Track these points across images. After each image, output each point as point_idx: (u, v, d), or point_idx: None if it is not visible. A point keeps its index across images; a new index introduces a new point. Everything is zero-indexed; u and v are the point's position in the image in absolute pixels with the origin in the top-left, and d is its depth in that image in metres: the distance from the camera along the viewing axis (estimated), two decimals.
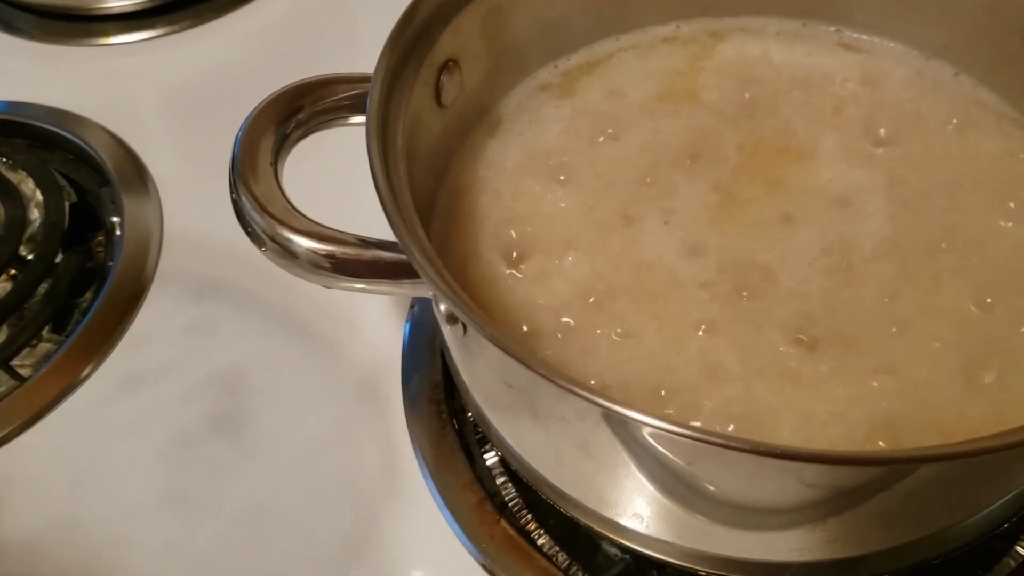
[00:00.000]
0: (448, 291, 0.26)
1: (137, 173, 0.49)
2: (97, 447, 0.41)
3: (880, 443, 0.31)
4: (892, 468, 0.24)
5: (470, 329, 0.28)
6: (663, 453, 0.27)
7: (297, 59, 0.54)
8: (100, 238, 0.48)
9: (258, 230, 0.31)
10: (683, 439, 0.24)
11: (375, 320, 0.42)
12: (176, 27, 0.56)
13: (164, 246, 0.46)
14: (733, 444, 0.22)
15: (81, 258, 0.47)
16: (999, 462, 0.26)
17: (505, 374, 0.29)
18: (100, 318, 0.43)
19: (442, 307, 0.29)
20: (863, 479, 0.25)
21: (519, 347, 0.26)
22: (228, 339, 0.43)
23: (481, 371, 0.31)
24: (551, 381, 0.24)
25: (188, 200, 0.48)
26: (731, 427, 0.31)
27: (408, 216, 0.29)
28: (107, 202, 0.48)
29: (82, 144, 0.49)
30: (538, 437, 0.31)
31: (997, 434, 0.24)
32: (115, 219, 0.47)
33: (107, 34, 0.56)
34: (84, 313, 0.45)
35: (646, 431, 0.25)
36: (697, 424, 0.31)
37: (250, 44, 0.56)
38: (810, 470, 0.25)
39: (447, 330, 0.32)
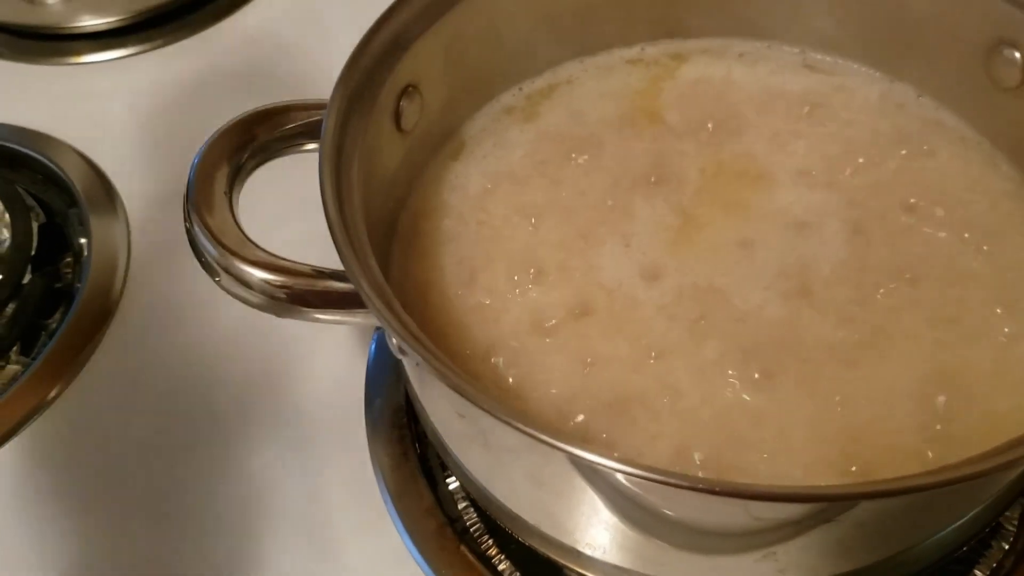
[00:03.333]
0: (395, 323, 0.27)
1: (106, 194, 0.48)
2: (63, 469, 0.41)
3: (853, 468, 0.31)
4: (832, 504, 0.24)
5: (421, 365, 0.28)
6: (611, 484, 0.27)
7: (270, 78, 0.54)
8: (68, 259, 0.48)
9: (211, 260, 0.31)
10: (625, 475, 0.24)
11: (339, 344, 0.42)
12: (148, 46, 0.56)
13: (132, 268, 0.46)
14: (671, 481, 0.23)
15: (49, 279, 0.47)
16: (942, 494, 0.27)
17: (456, 405, 0.29)
18: (67, 340, 0.43)
19: (393, 340, 0.29)
20: (806, 513, 0.25)
21: (465, 380, 0.26)
22: (192, 362, 0.43)
23: (435, 400, 0.31)
24: (494, 416, 0.25)
25: (157, 221, 0.48)
26: (694, 455, 0.31)
27: (359, 246, 0.29)
28: (76, 223, 0.48)
29: (51, 165, 0.49)
30: (492, 466, 0.31)
31: (935, 470, 0.24)
32: (83, 240, 0.47)
33: (78, 53, 0.56)
34: (52, 335, 0.45)
35: (588, 466, 0.25)
36: (657, 455, 0.31)
37: (223, 63, 0.55)
38: (754, 505, 0.25)
39: (404, 360, 0.32)
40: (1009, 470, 0.27)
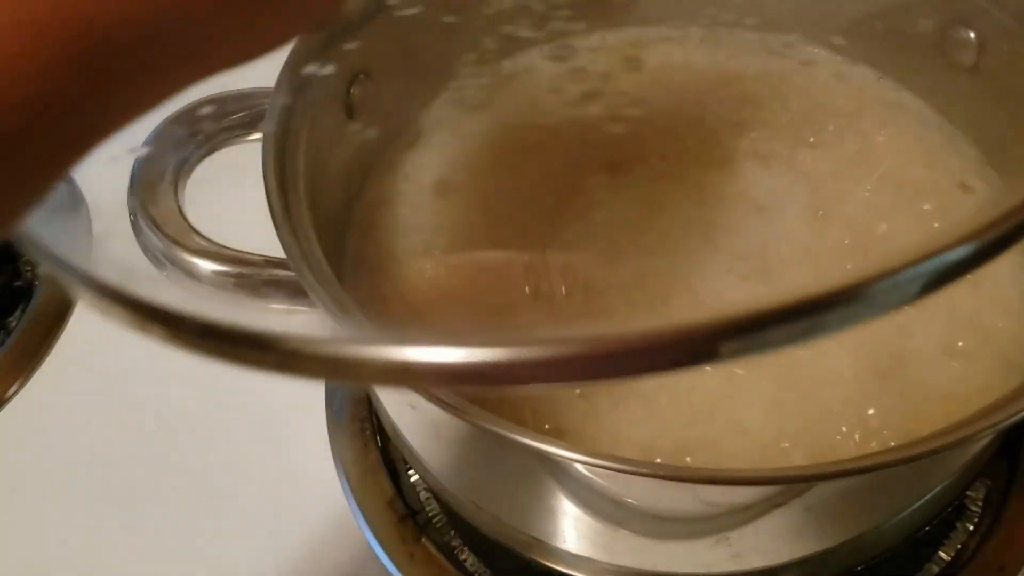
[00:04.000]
0: (337, 311, 0.26)
1: (66, 189, 0.48)
2: (21, 467, 0.40)
3: (797, 454, 0.31)
4: (781, 487, 0.24)
5: None
6: (562, 474, 0.27)
7: (231, 73, 0.54)
8: (28, 257, 0.47)
9: (157, 253, 0.30)
10: (570, 461, 0.24)
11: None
12: None
13: (91, 263, 0.45)
14: (609, 465, 0.22)
15: (8, 278, 0.46)
16: (894, 477, 0.26)
17: (406, 395, 0.29)
18: (24, 338, 0.43)
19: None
20: (754, 497, 0.25)
21: None
22: (149, 359, 0.42)
23: (387, 392, 0.31)
24: (437, 404, 0.24)
25: (118, 216, 0.47)
26: (651, 442, 0.31)
27: (303, 234, 0.28)
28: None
29: None
30: (446, 458, 0.31)
31: (880, 451, 0.24)
32: None
33: None
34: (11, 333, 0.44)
35: (536, 455, 0.24)
36: (613, 442, 0.31)
37: None
38: (704, 490, 0.25)
39: None
40: (963, 446, 0.27)
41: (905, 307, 0.16)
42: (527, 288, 0.34)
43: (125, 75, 0.17)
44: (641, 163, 0.39)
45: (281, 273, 0.30)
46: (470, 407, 0.24)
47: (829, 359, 0.31)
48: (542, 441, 0.23)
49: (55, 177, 0.19)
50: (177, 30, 0.17)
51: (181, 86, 0.19)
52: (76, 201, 0.48)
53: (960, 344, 0.32)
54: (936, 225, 0.36)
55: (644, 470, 0.22)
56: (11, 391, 0.42)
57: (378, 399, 0.34)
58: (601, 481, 0.26)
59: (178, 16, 0.17)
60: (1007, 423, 0.24)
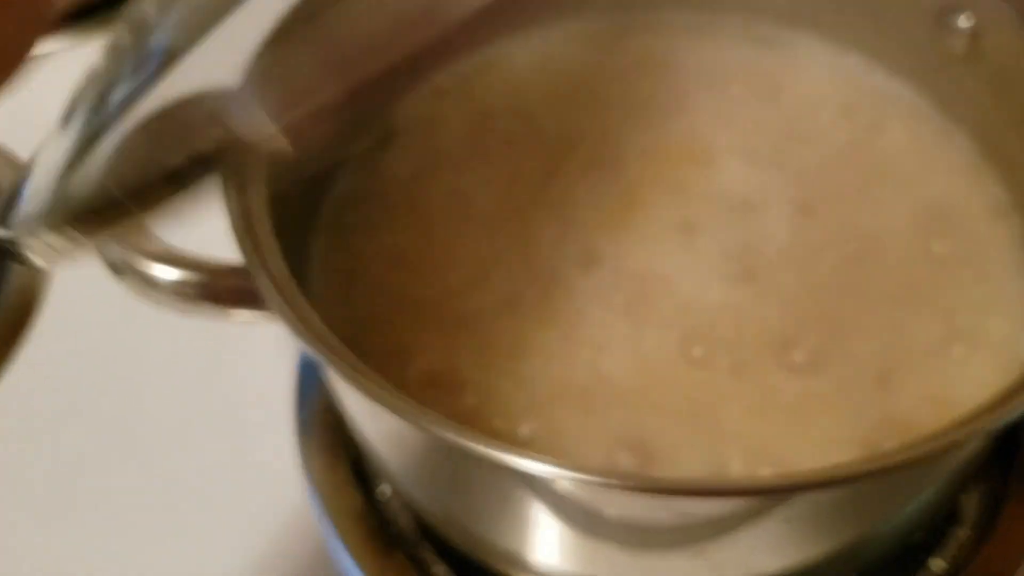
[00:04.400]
0: (292, 318, 0.25)
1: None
2: None
3: (796, 459, 0.29)
4: (757, 498, 0.23)
5: (321, 364, 0.26)
6: (527, 484, 0.25)
7: None
8: None
9: (113, 258, 0.29)
10: (538, 475, 0.23)
11: (268, 341, 0.40)
12: (77, 40, 0.54)
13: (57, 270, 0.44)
14: (581, 476, 0.21)
15: None
16: (880, 484, 0.25)
17: (366, 406, 0.27)
18: None
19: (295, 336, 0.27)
20: (732, 509, 0.23)
21: (369, 377, 0.25)
22: (116, 364, 0.41)
23: (350, 402, 0.30)
24: (397, 416, 0.23)
25: None
26: (627, 449, 0.30)
27: (262, 237, 0.27)
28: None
29: None
30: (413, 470, 0.30)
31: (867, 458, 0.23)
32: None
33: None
34: None
35: (498, 466, 0.23)
36: (589, 449, 0.30)
37: None
38: (677, 501, 0.23)
39: None
40: (953, 451, 0.26)
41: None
42: (496, 299, 0.33)
43: None
44: (620, 158, 0.38)
45: (243, 281, 0.29)
46: (432, 422, 0.23)
47: (824, 365, 0.30)
48: (497, 448, 0.21)
49: None
50: None
51: None
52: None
53: (958, 343, 0.31)
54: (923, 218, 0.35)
55: (612, 481, 0.21)
56: None
57: (347, 411, 0.32)
58: (573, 493, 0.25)
59: None
60: (994, 426, 0.23)
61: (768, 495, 0.22)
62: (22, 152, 0.51)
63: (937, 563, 0.34)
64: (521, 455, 0.22)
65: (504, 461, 0.22)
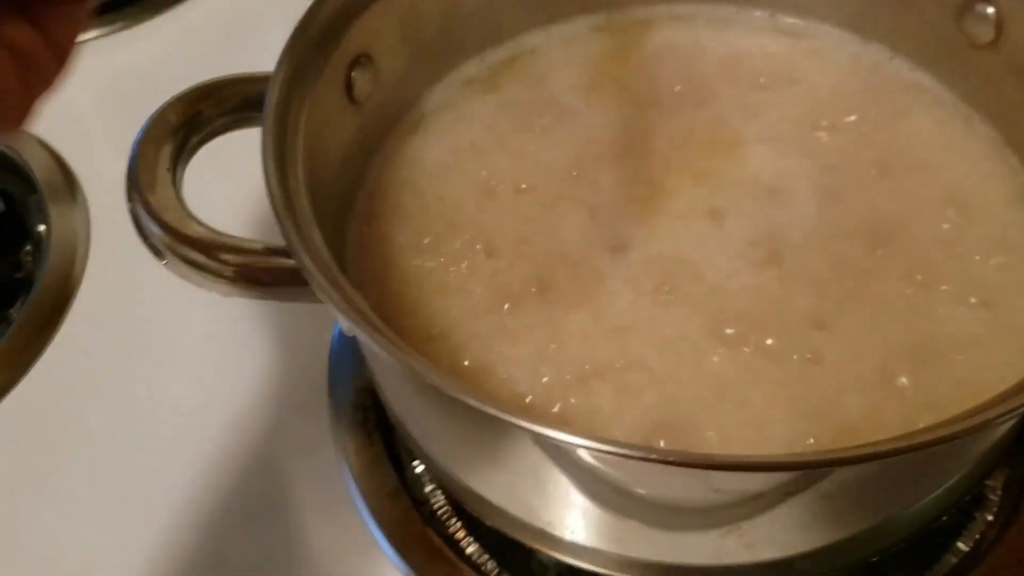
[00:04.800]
0: (338, 299, 0.25)
1: (65, 181, 0.47)
2: (20, 458, 0.40)
3: (810, 441, 0.30)
4: (796, 473, 0.23)
5: (365, 342, 0.27)
6: (570, 459, 0.26)
7: (235, 58, 0.53)
8: (29, 247, 0.47)
9: (155, 241, 0.30)
10: (576, 448, 0.23)
11: (302, 325, 0.41)
12: (107, 30, 0.54)
13: (92, 254, 0.45)
14: (623, 452, 0.22)
15: (9, 268, 0.46)
16: (910, 464, 0.26)
17: (408, 383, 0.28)
18: (24, 327, 0.42)
19: (339, 316, 0.28)
20: (769, 484, 0.24)
21: (414, 356, 0.25)
22: (153, 347, 0.42)
23: (391, 380, 0.30)
24: (441, 389, 0.24)
25: (117, 207, 0.46)
26: (660, 428, 0.30)
27: (303, 221, 0.28)
28: (35, 211, 0.47)
29: (8, 152, 0.48)
30: (452, 447, 0.30)
31: (901, 435, 0.23)
32: (42, 228, 0.46)
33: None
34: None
35: (536, 439, 0.24)
36: (622, 429, 0.30)
37: (185, 45, 0.54)
38: (714, 476, 0.24)
39: (359, 337, 0.31)
40: (983, 431, 0.26)
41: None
42: (527, 284, 0.33)
43: None
44: (647, 146, 0.38)
45: (281, 261, 0.30)
46: (473, 395, 0.24)
47: (852, 347, 0.31)
48: (550, 427, 0.22)
49: None
50: None
51: None
52: (73, 190, 0.48)
53: (982, 326, 0.31)
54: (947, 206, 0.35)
55: (654, 456, 0.21)
56: (10, 382, 0.42)
57: (383, 389, 0.33)
58: (608, 468, 0.26)
59: None
60: None
61: (809, 469, 0.23)
62: (54, 141, 0.52)
63: (961, 546, 0.35)
64: (561, 429, 0.23)
65: (544, 434, 0.23)
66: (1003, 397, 0.24)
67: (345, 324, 0.27)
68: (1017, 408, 0.24)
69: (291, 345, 0.40)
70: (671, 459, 0.22)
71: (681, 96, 0.39)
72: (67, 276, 0.44)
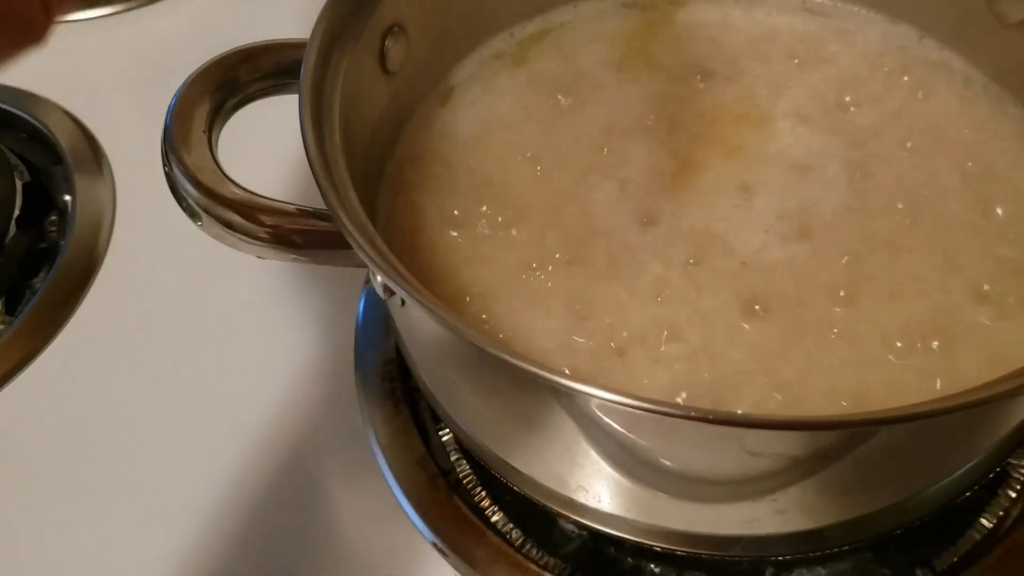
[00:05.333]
0: (378, 259, 0.26)
1: (91, 151, 0.47)
2: (45, 427, 0.40)
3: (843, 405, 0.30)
4: (832, 432, 0.23)
5: (407, 300, 0.27)
6: (605, 422, 0.26)
7: (261, 29, 0.53)
8: (54, 218, 0.47)
9: (191, 202, 0.30)
10: (616, 406, 0.23)
11: (329, 296, 0.41)
12: (135, 3, 0.54)
13: (117, 224, 0.45)
14: (665, 410, 0.22)
15: (33, 238, 0.46)
16: (943, 430, 0.26)
17: (443, 345, 0.28)
18: (49, 297, 0.43)
19: (378, 277, 0.28)
20: (804, 445, 0.24)
21: (452, 315, 0.25)
22: (177, 317, 0.42)
23: (423, 344, 0.30)
24: (480, 346, 0.24)
25: (143, 177, 0.46)
26: (683, 396, 0.30)
27: (341, 183, 0.28)
28: (60, 181, 0.47)
29: (35, 123, 0.48)
30: (483, 411, 0.31)
31: (940, 398, 0.23)
32: (68, 198, 0.46)
33: (63, 10, 0.54)
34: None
35: (578, 397, 0.24)
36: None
37: (209, 17, 0.54)
38: (751, 436, 0.24)
39: (389, 304, 0.31)
40: (1009, 398, 0.26)
41: None
42: (558, 255, 0.34)
43: None
44: (676, 121, 0.38)
45: (315, 223, 0.30)
46: (511, 352, 0.24)
47: (879, 320, 0.31)
48: (586, 383, 0.22)
49: None
50: None
51: None
52: (99, 161, 0.48)
53: (1009, 303, 0.32)
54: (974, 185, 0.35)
55: (696, 414, 0.22)
56: (33, 352, 0.42)
57: (410, 353, 0.33)
58: (643, 431, 0.26)
59: None
60: None
61: (842, 428, 0.23)
62: (80, 112, 0.52)
63: (986, 521, 0.35)
64: (602, 387, 0.23)
65: (585, 391, 0.23)
66: None
67: (383, 284, 0.27)
68: None
69: (318, 317, 0.40)
70: (711, 417, 0.22)
71: (710, 72, 0.39)
72: (92, 247, 0.44)
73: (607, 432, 0.27)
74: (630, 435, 0.26)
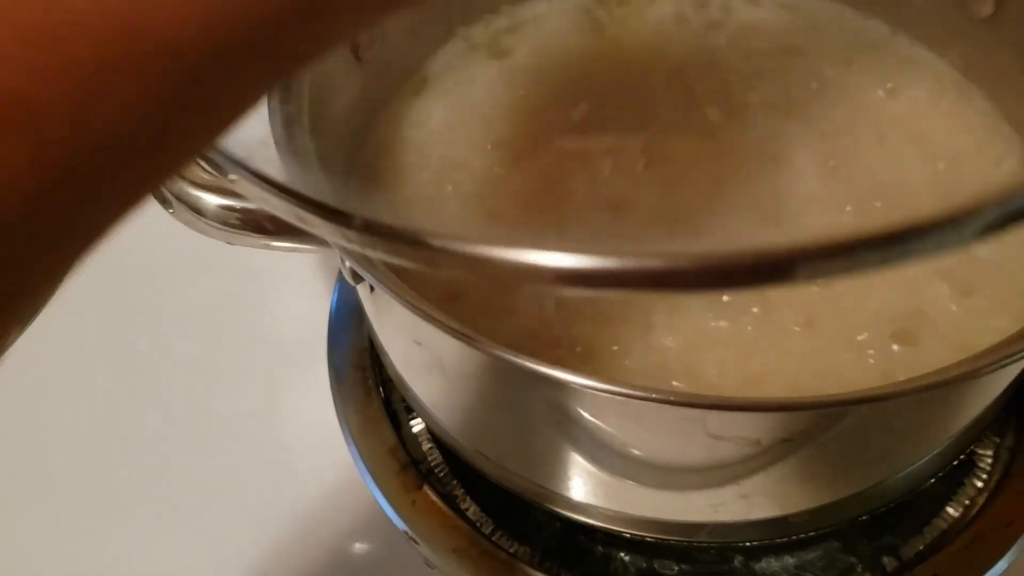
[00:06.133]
0: (339, 236, 0.26)
1: None
2: (12, 413, 0.40)
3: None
4: (791, 415, 0.23)
5: (375, 286, 0.27)
6: (571, 407, 0.26)
7: None
8: None
9: (162, 188, 0.30)
10: (582, 389, 0.23)
11: (303, 284, 0.41)
12: None
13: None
14: (623, 391, 0.22)
15: None
16: (905, 417, 0.26)
17: (411, 331, 0.28)
18: None
19: (346, 263, 0.28)
20: (765, 429, 0.24)
21: (416, 297, 0.25)
22: (147, 300, 0.42)
23: (392, 330, 0.30)
24: (442, 326, 0.24)
25: None
26: (660, 374, 0.30)
27: (310, 168, 0.28)
28: None
29: None
30: (451, 398, 0.31)
31: (901, 381, 0.24)
32: None
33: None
34: None
35: (541, 379, 0.24)
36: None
37: None
38: (713, 418, 0.24)
39: (359, 291, 0.31)
40: (983, 379, 0.27)
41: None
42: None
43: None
44: (649, 112, 0.38)
45: None
46: (479, 336, 0.24)
47: (848, 308, 0.31)
48: (548, 366, 0.22)
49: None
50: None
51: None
52: None
53: (974, 296, 0.32)
54: (945, 177, 0.36)
55: (657, 395, 0.22)
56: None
57: (382, 343, 0.33)
58: (609, 416, 0.26)
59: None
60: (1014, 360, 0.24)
61: (802, 409, 0.23)
62: None
63: (952, 510, 0.35)
64: (562, 369, 0.23)
65: (551, 375, 0.23)
66: (994, 348, 0.25)
67: (350, 269, 0.27)
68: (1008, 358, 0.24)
69: (291, 305, 0.40)
70: (675, 399, 0.23)
71: (682, 65, 0.39)
72: None
73: (574, 417, 0.27)
74: (596, 420, 0.26)
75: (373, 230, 0.17)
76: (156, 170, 0.14)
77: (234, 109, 0.15)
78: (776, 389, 0.29)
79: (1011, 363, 0.25)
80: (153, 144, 0.13)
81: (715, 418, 0.24)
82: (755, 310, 0.31)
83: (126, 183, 0.14)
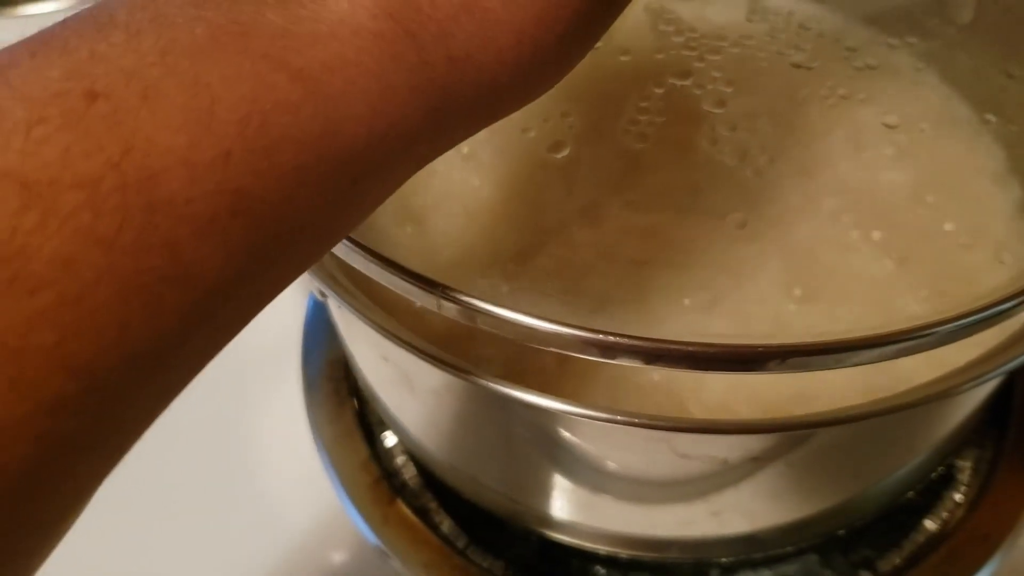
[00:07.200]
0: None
1: None
2: None
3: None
4: (756, 435, 0.23)
5: (340, 306, 0.26)
6: (540, 423, 0.26)
7: None
8: None
9: None
10: (547, 410, 0.23)
11: (277, 302, 0.41)
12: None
13: None
14: (583, 413, 0.21)
15: None
16: (876, 435, 0.26)
17: (379, 346, 0.28)
18: None
19: (313, 280, 0.27)
20: (731, 448, 0.24)
21: (382, 315, 0.25)
22: None
23: (361, 345, 0.30)
24: (406, 345, 0.23)
25: None
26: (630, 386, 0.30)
27: None
28: None
29: None
30: (421, 414, 0.30)
31: (868, 402, 0.23)
32: None
33: (15, 3, 0.54)
34: None
35: (507, 400, 0.24)
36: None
37: None
38: (679, 439, 0.24)
39: (330, 304, 0.31)
40: (954, 397, 0.26)
41: None
42: (506, 248, 0.33)
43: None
44: (625, 118, 0.38)
45: None
46: (442, 354, 0.23)
47: (825, 314, 0.31)
48: (506, 386, 0.22)
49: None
50: None
51: None
52: None
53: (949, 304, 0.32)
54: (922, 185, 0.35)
55: (618, 418, 0.21)
56: None
57: (353, 357, 0.33)
58: (574, 444, 0.26)
59: None
60: (992, 376, 0.24)
61: (766, 432, 0.23)
62: None
63: (930, 523, 0.35)
64: (529, 392, 0.23)
65: (514, 396, 0.22)
66: (970, 366, 0.25)
67: (318, 289, 0.27)
68: (981, 376, 0.24)
69: (265, 314, 0.40)
70: (636, 422, 0.22)
71: (657, 70, 0.39)
72: None
73: (542, 435, 0.27)
74: (564, 439, 0.26)
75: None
76: (304, 264, 0.18)
77: (375, 203, 0.19)
78: (746, 409, 0.29)
79: (984, 383, 0.24)
80: (310, 239, 0.17)
81: (682, 439, 0.23)
82: (731, 319, 0.31)
83: (288, 270, 0.18)
